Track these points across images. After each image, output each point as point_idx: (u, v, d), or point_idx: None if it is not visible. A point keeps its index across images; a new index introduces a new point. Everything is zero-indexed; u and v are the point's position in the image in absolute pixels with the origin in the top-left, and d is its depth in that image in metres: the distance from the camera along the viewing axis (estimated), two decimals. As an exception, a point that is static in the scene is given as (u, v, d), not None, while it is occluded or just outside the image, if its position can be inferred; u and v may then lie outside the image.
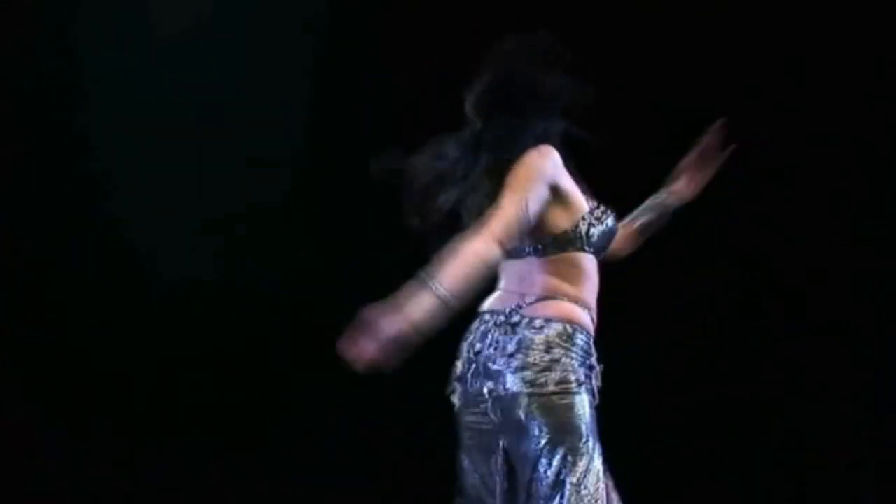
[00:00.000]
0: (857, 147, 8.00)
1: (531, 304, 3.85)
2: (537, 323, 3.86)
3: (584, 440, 3.96)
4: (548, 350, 3.87)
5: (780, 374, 8.07)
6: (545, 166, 3.82)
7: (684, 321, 8.05)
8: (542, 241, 3.89)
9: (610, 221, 4.03)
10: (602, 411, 7.91)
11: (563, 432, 3.87)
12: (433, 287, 3.46)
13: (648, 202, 4.53)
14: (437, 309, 3.47)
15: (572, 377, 3.91)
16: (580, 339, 3.97)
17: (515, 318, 3.85)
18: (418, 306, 3.43)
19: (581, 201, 3.95)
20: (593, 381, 4.07)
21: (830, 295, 8.08)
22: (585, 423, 3.97)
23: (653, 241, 8.09)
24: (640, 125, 8.10)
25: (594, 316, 4.06)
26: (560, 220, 3.89)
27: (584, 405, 3.96)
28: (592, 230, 3.95)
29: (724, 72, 8.04)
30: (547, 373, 3.84)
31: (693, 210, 8.12)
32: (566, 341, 3.89)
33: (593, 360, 4.08)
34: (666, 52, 8.10)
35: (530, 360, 3.82)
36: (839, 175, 8.02)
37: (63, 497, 7.78)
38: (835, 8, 7.96)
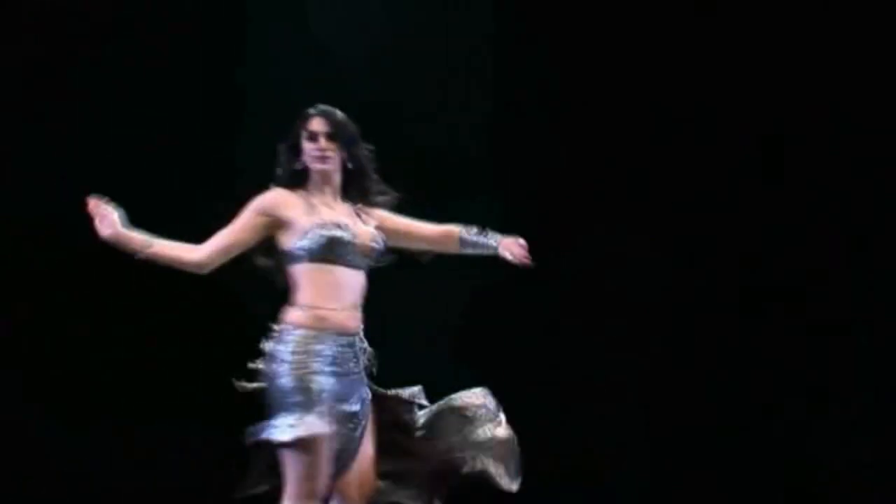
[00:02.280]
0: (858, 147, 8.01)
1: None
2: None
3: None
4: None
5: (780, 374, 8.07)
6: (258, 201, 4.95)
7: (684, 321, 8.05)
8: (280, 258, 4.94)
9: (323, 232, 4.85)
10: (602, 411, 7.96)
11: None
12: (146, 245, 4.88)
13: (485, 239, 5.10)
14: (136, 249, 4.89)
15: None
16: (292, 335, 4.84)
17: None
18: (133, 240, 4.89)
19: (301, 222, 4.88)
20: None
21: (830, 295, 8.08)
22: None
23: (653, 240, 8.14)
24: (642, 123, 8.12)
25: (332, 314, 4.82)
26: (282, 242, 4.91)
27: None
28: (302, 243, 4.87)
29: (725, 72, 8.05)
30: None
31: (694, 210, 8.16)
32: (280, 341, 4.87)
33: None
34: (667, 51, 8.11)
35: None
36: (839, 175, 8.02)
37: (63, 496, 7.79)
38: (835, 7, 7.96)
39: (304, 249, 4.85)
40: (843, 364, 8.05)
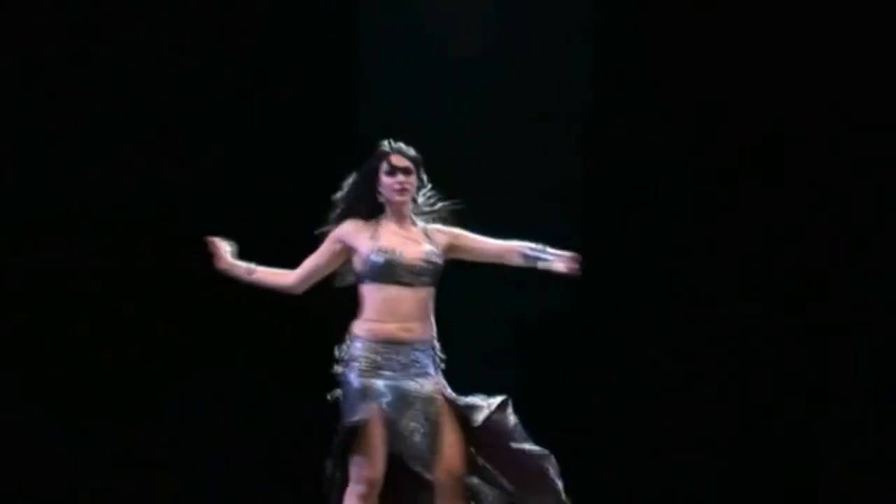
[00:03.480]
0: (858, 147, 8.01)
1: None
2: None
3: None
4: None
5: (780, 374, 8.08)
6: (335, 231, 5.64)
7: (684, 321, 8.06)
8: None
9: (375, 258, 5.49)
10: (602, 411, 7.97)
11: None
12: (250, 272, 5.64)
13: (544, 254, 5.60)
14: (241, 276, 5.64)
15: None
16: (357, 344, 5.48)
17: None
18: (239, 268, 5.64)
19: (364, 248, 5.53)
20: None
21: (830, 295, 8.08)
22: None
23: (654, 240, 8.15)
24: (641, 122, 8.13)
25: (385, 326, 5.46)
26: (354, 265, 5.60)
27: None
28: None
29: (726, 72, 8.06)
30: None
31: (694, 210, 8.16)
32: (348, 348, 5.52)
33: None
34: (666, 51, 8.12)
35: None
36: (839, 175, 8.03)
37: (63, 496, 7.81)
38: (835, 7, 7.97)
39: (364, 272, 5.48)
40: (843, 364, 8.05)
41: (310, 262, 5.60)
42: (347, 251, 5.54)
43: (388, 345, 5.43)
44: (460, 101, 8.01)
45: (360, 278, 5.49)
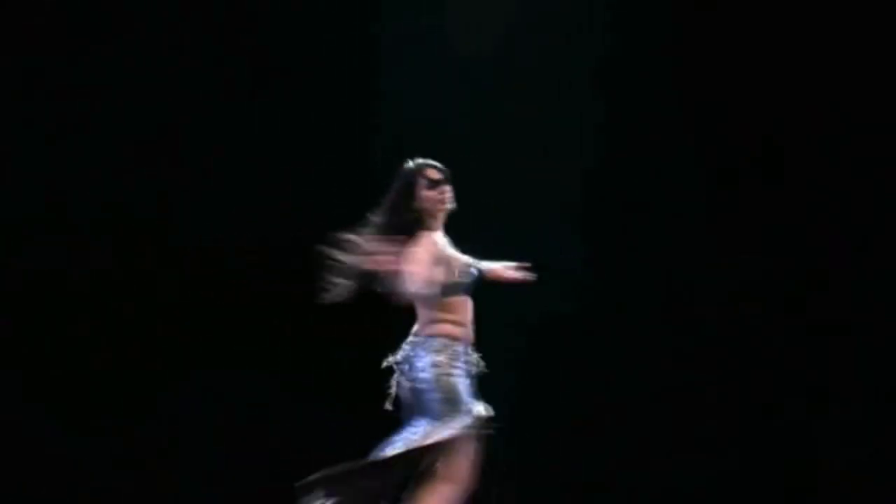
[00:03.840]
0: (858, 147, 8.01)
1: None
2: None
3: None
4: None
5: (780, 374, 8.08)
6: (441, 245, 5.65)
7: (684, 321, 8.06)
8: None
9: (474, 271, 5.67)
10: (602, 412, 7.97)
11: None
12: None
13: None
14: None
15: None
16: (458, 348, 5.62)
17: None
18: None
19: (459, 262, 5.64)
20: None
21: (830, 295, 8.08)
22: None
23: (654, 241, 8.15)
24: (642, 123, 8.13)
25: (472, 333, 5.63)
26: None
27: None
28: None
29: (726, 72, 8.06)
30: None
31: (694, 210, 8.17)
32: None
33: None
34: (667, 51, 8.13)
35: None
36: (839, 175, 8.03)
37: (63, 496, 7.81)
38: (835, 7, 7.97)
39: (460, 285, 5.59)
40: (843, 364, 8.05)
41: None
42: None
43: (472, 348, 5.62)
44: (461, 102, 8.02)
45: (451, 290, 5.56)
